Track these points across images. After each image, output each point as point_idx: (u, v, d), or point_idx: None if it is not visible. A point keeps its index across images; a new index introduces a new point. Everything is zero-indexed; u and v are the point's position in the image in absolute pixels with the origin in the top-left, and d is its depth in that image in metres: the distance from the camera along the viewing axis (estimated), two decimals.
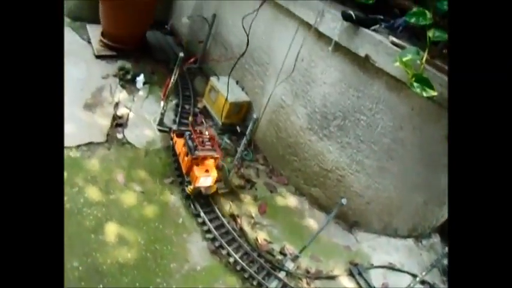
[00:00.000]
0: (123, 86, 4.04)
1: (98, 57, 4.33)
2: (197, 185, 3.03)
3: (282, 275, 2.82)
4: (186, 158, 3.12)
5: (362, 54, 2.81)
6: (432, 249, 3.55)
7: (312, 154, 3.38)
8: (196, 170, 3.02)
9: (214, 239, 2.89)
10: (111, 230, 2.73)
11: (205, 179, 3.03)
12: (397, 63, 2.42)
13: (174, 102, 4.02)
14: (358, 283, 2.99)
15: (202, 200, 3.11)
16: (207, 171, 3.04)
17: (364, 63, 2.88)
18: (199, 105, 4.15)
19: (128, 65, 4.22)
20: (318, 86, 3.23)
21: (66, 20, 4.72)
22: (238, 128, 3.91)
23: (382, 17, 2.92)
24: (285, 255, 2.98)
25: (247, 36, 3.51)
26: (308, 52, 3.24)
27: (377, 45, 2.72)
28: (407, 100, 2.78)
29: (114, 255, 2.58)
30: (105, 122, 3.53)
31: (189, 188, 3.06)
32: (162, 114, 3.65)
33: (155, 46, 4.84)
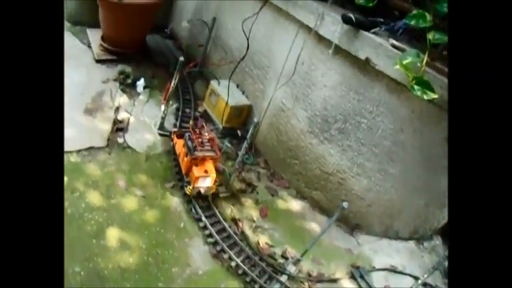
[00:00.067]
0: (123, 90, 4.05)
1: (98, 61, 4.34)
2: (196, 185, 3.05)
3: (283, 278, 2.81)
4: (185, 159, 3.15)
5: (362, 57, 2.81)
6: (434, 251, 3.54)
7: (313, 157, 3.38)
8: (196, 171, 3.05)
9: (215, 243, 2.88)
10: (113, 234, 2.73)
11: (204, 179, 3.06)
12: (398, 66, 2.42)
13: (174, 106, 4.03)
14: (359, 286, 2.98)
15: (203, 204, 3.11)
16: (206, 171, 3.07)
17: (364, 66, 2.88)
18: (200, 109, 4.16)
19: (128, 69, 4.23)
20: (319, 89, 3.23)
21: (66, 24, 4.73)
22: (239, 132, 3.91)
23: (382, 20, 2.92)
24: (286, 258, 2.98)
25: (248, 39, 3.51)
26: (308, 55, 3.25)
27: (377, 48, 2.72)
28: (407, 103, 2.78)
29: (115, 260, 2.58)
30: (106, 127, 3.54)
31: (188, 188, 3.08)
32: (163, 119, 3.65)
33: (155, 50, 4.85)
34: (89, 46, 4.51)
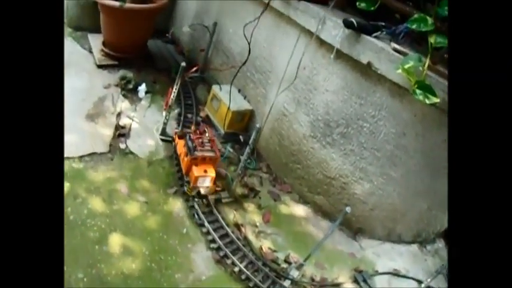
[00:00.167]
0: (125, 96, 4.05)
1: (100, 66, 4.34)
2: (195, 185, 3.08)
3: (287, 283, 2.80)
4: (185, 159, 3.19)
5: (364, 61, 2.81)
6: (437, 254, 3.53)
7: (315, 162, 3.38)
8: (195, 170, 3.09)
9: (218, 249, 2.88)
10: (115, 240, 2.72)
11: (203, 179, 3.10)
12: (399, 71, 2.42)
13: (176, 111, 4.02)
14: None
15: (206, 210, 3.11)
16: (205, 171, 3.11)
17: (366, 70, 2.88)
18: (202, 114, 4.15)
19: (129, 74, 4.22)
20: (321, 94, 3.23)
21: (68, 30, 4.74)
22: (241, 137, 3.91)
23: (383, 24, 2.92)
24: (289, 263, 2.98)
25: (249, 44, 3.51)
26: (310, 60, 3.25)
27: (379, 52, 2.73)
28: (410, 106, 2.78)
29: (118, 266, 2.57)
30: (108, 132, 3.53)
31: (188, 188, 3.11)
32: (165, 124, 3.65)
33: (156, 55, 4.86)
34: (90, 51, 4.52)
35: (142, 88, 4.12)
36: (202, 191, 3.13)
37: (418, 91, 2.38)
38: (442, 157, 2.88)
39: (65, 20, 4.76)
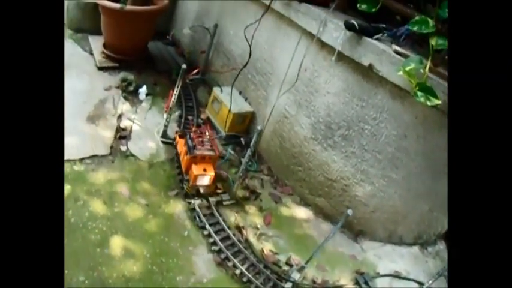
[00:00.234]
0: (125, 98, 4.05)
1: (100, 68, 4.34)
2: (194, 183, 3.10)
3: (288, 285, 2.80)
4: (185, 157, 3.21)
5: (365, 63, 2.81)
6: (438, 256, 3.53)
7: (317, 164, 3.38)
8: (195, 169, 3.10)
9: (220, 251, 2.88)
10: (117, 243, 2.72)
11: (202, 177, 3.11)
12: (401, 73, 2.42)
13: (177, 113, 4.02)
14: None
15: (207, 212, 3.11)
16: (205, 170, 3.11)
17: (367, 73, 2.87)
18: (203, 116, 4.15)
19: (130, 76, 4.23)
20: (322, 96, 3.23)
21: (68, 32, 4.74)
22: (242, 139, 3.90)
23: (384, 26, 2.92)
24: (291, 265, 2.97)
25: (250, 46, 3.51)
26: (311, 62, 3.25)
27: (380, 54, 2.72)
28: (411, 109, 2.77)
29: (120, 269, 2.57)
30: (109, 135, 3.53)
31: (187, 186, 3.13)
32: (166, 126, 3.65)
33: (157, 57, 4.86)
34: (91, 53, 4.51)
35: (143, 90, 4.12)
36: (201, 190, 3.14)
37: (419, 93, 2.38)
38: (443, 159, 2.87)
39: (66, 22, 4.77)
